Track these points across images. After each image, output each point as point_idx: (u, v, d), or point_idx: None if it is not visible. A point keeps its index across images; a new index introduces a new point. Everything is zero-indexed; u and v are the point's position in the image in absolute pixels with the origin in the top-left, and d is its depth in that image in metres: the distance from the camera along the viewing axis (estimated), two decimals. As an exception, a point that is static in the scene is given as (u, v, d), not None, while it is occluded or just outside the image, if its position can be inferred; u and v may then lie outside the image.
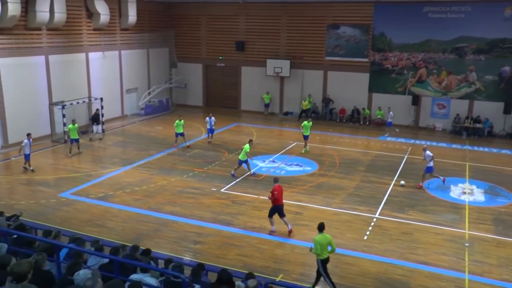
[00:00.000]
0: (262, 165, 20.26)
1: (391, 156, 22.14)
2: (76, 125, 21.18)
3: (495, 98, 27.17)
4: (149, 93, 31.46)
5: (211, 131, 23.82)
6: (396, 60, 28.86)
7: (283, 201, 13.67)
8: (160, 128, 27.08)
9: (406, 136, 26.44)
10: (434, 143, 24.79)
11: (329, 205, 15.87)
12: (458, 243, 13.27)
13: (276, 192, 13.38)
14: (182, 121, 22.70)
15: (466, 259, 12.36)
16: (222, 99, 33.76)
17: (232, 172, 18.68)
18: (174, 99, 34.48)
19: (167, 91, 33.81)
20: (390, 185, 18.01)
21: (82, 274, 6.01)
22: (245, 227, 13.99)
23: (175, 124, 22.62)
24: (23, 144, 18.59)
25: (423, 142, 24.60)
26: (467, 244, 13.20)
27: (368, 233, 13.73)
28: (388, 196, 16.84)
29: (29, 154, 18.75)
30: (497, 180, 19.07)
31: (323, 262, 10.42)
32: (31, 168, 18.83)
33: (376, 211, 15.37)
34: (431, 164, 17.82)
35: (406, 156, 22.17)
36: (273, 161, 20.84)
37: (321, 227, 10.65)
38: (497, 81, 27.04)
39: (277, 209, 13.51)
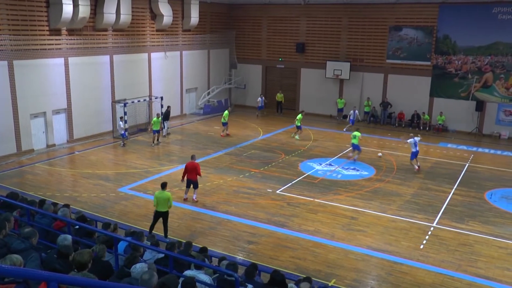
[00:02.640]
0: (318, 168, 20.19)
1: (451, 164, 21.43)
2: (159, 118, 23.20)
3: None
4: (208, 93, 32.08)
5: (260, 108, 30.46)
6: (460, 64, 27.85)
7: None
8: (218, 127, 27.52)
9: (468, 143, 25.46)
10: (499, 152, 23.76)
11: (385, 211, 15.60)
12: (522, 258, 12.71)
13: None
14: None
15: (530, 275, 11.82)
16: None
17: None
18: (233, 100, 34.96)
19: (226, 91, 34.33)
20: (449, 193, 17.45)
21: (139, 267, 6.24)
22: (299, 229, 14.02)
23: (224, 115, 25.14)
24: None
25: (486, 151, 23.67)
26: (531, 259, 12.61)
27: (424, 242, 13.40)
28: (447, 205, 16.33)
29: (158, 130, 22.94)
30: None
31: (158, 214, 12.94)
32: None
33: (434, 220, 14.96)
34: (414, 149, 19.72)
35: (467, 164, 21.38)
36: (330, 164, 20.72)
37: (162, 185, 13.09)
38: None
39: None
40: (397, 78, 29.50)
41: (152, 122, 23.36)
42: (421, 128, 28.43)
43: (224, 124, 25.24)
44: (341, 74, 30.38)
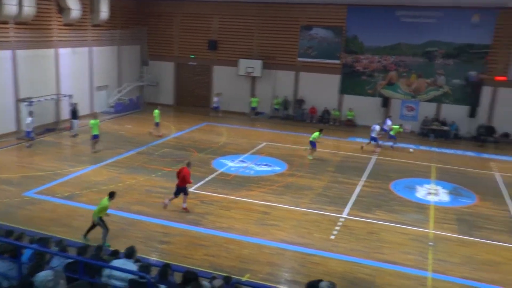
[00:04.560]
0: (231, 164, 20.24)
1: (360, 157, 22.43)
2: (98, 120, 21.32)
3: (462, 101, 27.83)
4: (119, 91, 31.08)
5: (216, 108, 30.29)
6: (368, 63, 29.24)
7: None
8: (129, 126, 26.79)
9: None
10: (403, 145, 25.20)
11: (298, 205, 15.96)
12: (423, 243, 13.53)
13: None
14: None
15: (430, 258, 12.61)
16: (193, 98, 33.57)
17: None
18: (145, 98, 34.12)
19: (138, 89, 33.45)
20: (358, 185, 18.23)
21: (42, 275, 5.81)
22: (213, 227, 13.95)
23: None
24: None
25: (391, 143, 24.99)
26: (431, 243, 13.47)
27: (335, 232, 13.86)
28: (355, 196, 17.05)
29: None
30: (461, 181, 19.54)
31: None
32: None
33: (344, 211, 15.55)
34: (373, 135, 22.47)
35: (375, 157, 22.48)
36: (242, 161, 20.85)
37: (110, 194, 12.65)
38: (464, 85, 27.71)
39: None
40: (308, 76, 30.37)
41: (90, 125, 21.17)
42: (331, 123, 29.54)
43: (157, 124, 24.53)
44: (253, 72, 30.72)
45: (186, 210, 14.90)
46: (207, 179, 18.13)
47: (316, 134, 21.70)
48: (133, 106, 31.34)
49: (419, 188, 18.38)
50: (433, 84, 28.27)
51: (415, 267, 12.09)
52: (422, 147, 25.30)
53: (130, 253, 8.35)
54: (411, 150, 24.20)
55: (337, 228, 14.20)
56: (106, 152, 21.15)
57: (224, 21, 31.78)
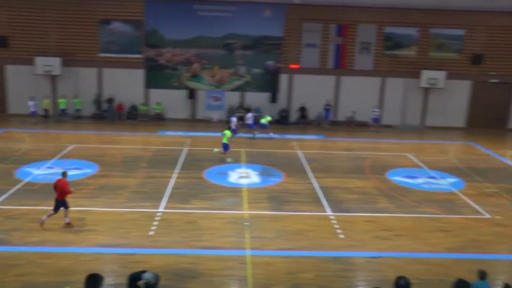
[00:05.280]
0: (37, 172, 18.45)
1: (171, 150, 22.46)
2: None
3: (263, 89, 29.88)
4: None
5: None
6: (170, 56, 29.36)
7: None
8: None
9: (185, 129, 27.15)
10: (212, 134, 26.01)
11: (114, 205, 15.31)
12: (239, 224, 14.16)
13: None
14: None
15: (247, 237, 13.27)
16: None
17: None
18: None
19: None
20: (172, 178, 18.26)
21: None
22: (23, 243, 12.50)
23: None
24: None
25: (201, 134, 25.64)
26: (247, 223, 14.18)
27: (154, 228, 13.66)
28: (171, 189, 17.05)
29: None
30: (269, 162, 20.98)
31: None
32: None
33: (161, 206, 15.41)
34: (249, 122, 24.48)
35: (186, 149, 22.76)
36: (50, 167, 19.17)
37: None
38: (263, 74, 29.76)
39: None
40: (113, 72, 29.23)
41: None
42: (140, 119, 29.03)
43: None
44: (52, 70, 28.39)
45: (69, 225, 13.47)
46: (10, 192, 16.17)
47: (228, 133, 21.35)
48: None
49: (231, 173, 19.18)
50: (235, 74, 29.72)
51: (234, 247, 12.58)
52: (231, 134, 26.44)
53: None
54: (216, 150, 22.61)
55: (155, 223, 13.99)
56: None
57: (12, 15, 28.52)
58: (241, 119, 26.86)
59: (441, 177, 19.82)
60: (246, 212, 15.17)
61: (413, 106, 30.61)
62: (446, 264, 12.27)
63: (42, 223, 13.40)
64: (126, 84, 29.34)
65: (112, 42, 29.09)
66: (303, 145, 24.36)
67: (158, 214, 14.70)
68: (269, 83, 29.89)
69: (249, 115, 26.24)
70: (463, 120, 31.10)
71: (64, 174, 13.94)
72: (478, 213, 16.04)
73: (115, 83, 29.36)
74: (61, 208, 13.57)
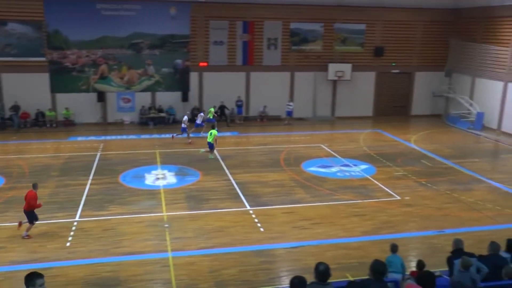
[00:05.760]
0: None
1: (84, 156, 21.67)
2: None
3: (173, 88, 29.60)
4: None
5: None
6: (76, 58, 28.18)
7: None
8: None
9: (96, 133, 26.23)
10: (125, 136, 25.47)
11: (24, 218, 14.49)
12: (159, 226, 14.06)
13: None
14: None
15: (168, 238, 13.23)
16: None
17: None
18: None
19: None
20: (86, 185, 17.66)
21: None
22: None
23: None
24: None
25: (113, 137, 25.00)
26: (166, 225, 14.12)
27: (70, 239, 13.18)
28: (86, 196, 16.49)
29: None
30: (185, 161, 20.93)
31: None
32: None
33: (76, 215, 14.88)
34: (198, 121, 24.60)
35: (99, 154, 22.07)
36: None
37: None
38: (173, 73, 29.48)
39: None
40: (13, 77, 27.45)
41: None
42: (48, 125, 27.63)
43: None
44: None
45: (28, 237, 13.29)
46: None
47: (214, 132, 21.46)
48: None
49: (147, 175, 18.91)
50: (145, 74, 29.18)
51: (156, 251, 12.50)
52: (144, 136, 25.99)
53: None
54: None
55: (71, 233, 13.51)
56: None
57: None
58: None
59: (354, 165, 20.91)
60: (165, 214, 15.08)
61: (323, 98, 31.85)
62: (363, 246, 13.05)
63: (20, 225, 13.45)
64: (30, 90, 27.65)
65: (10, 44, 27.34)
66: (217, 142, 24.45)
67: (74, 223, 14.20)
68: (179, 82, 29.69)
69: (200, 114, 26.15)
70: (371, 110, 32.89)
71: (34, 185, 13.77)
72: (389, 195, 17.18)
73: (18, 89, 27.60)
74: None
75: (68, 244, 12.88)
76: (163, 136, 25.95)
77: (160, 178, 18.67)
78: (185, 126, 24.30)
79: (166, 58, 29.16)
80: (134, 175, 18.91)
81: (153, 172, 19.39)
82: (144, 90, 29.33)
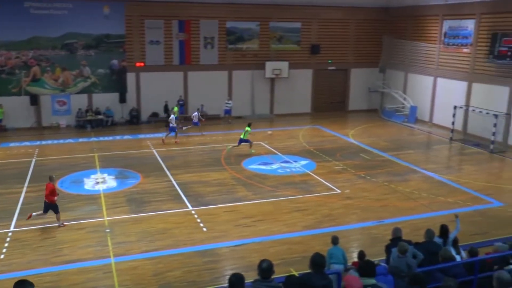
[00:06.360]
0: None
1: (18, 163, 20.83)
2: None
3: (110, 89, 28.96)
4: None
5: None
6: (5, 60, 26.94)
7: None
8: None
9: (31, 139, 25.20)
10: (61, 141, 24.69)
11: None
12: (100, 232, 13.81)
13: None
14: None
15: (109, 244, 13.02)
16: None
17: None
18: None
19: None
20: (21, 193, 16.99)
21: None
22: None
23: None
24: None
25: (49, 142, 24.20)
26: (108, 230, 13.88)
27: (5, 250, 12.66)
28: (21, 205, 15.88)
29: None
30: (125, 164, 20.60)
31: None
32: None
33: (11, 225, 14.31)
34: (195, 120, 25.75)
35: (34, 160, 21.28)
36: None
37: None
38: (109, 74, 28.83)
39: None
40: None
41: None
42: (-23, 132, 26.33)
43: None
44: None
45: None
46: None
47: (248, 129, 22.59)
48: None
49: (86, 180, 18.46)
50: (80, 76, 28.36)
51: (97, 257, 12.28)
52: (82, 139, 25.29)
53: None
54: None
55: (6, 245, 12.97)
56: None
57: None
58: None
59: (294, 161, 21.37)
60: (106, 218, 14.82)
61: (262, 96, 32.21)
62: (305, 241, 13.41)
63: (29, 217, 14.09)
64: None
65: None
66: (157, 144, 24.27)
67: (9, 234, 13.66)
68: (116, 83, 29.08)
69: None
70: (309, 106, 33.62)
71: (50, 178, 14.41)
72: (330, 189, 17.72)
73: None
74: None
75: (2, 256, 12.36)
76: (101, 139, 25.35)
77: (100, 182, 18.28)
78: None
79: (101, 58, 28.49)
80: (73, 180, 18.40)
81: (93, 176, 18.95)
82: (80, 92, 28.51)
